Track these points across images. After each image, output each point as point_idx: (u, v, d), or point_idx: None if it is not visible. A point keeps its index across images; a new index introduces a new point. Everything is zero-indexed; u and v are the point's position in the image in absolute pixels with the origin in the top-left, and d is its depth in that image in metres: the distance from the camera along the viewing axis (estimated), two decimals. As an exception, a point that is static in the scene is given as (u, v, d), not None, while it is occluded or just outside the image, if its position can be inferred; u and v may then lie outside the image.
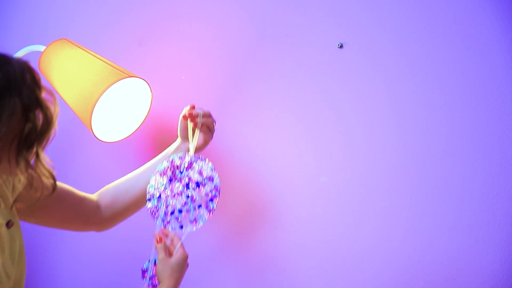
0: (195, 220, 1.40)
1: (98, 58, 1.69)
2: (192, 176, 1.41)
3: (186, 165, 1.41)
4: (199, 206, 1.41)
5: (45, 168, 1.16)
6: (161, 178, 1.41)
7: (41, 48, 1.77)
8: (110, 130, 1.73)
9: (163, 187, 1.41)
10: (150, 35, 1.87)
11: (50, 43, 1.75)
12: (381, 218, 1.61)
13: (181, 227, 1.40)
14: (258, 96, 1.75)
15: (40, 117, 1.10)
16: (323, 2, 1.65)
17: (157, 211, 1.40)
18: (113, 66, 1.65)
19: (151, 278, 1.42)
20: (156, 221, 1.40)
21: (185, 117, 1.48)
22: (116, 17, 1.97)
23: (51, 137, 1.13)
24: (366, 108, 1.61)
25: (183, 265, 1.38)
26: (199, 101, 1.78)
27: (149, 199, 1.41)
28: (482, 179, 1.49)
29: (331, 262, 1.68)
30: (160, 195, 1.40)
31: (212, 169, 1.42)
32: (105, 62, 1.67)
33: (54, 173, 1.19)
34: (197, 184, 1.41)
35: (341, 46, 1.63)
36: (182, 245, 1.39)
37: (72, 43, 1.74)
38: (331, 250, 1.68)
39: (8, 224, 1.23)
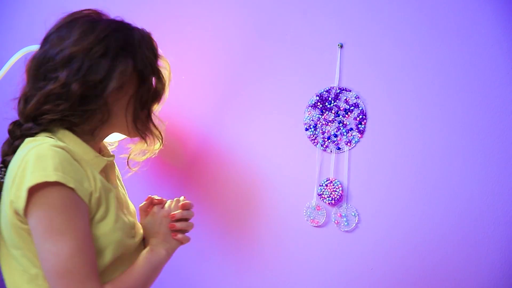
0: (349, 141, 1.60)
1: (98, 58, 1.68)
2: (340, 105, 1.61)
3: (333, 96, 1.61)
4: (351, 129, 1.60)
5: (156, 128, 1.31)
6: (314, 111, 1.62)
7: (41, 48, 1.76)
8: (110, 130, 1.72)
9: (317, 117, 1.62)
10: (150, 35, 1.86)
11: (50, 43, 1.74)
12: (380, 218, 1.61)
13: (338, 148, 1.62)
14: (258, 95, 1.74)
15: (153, 82, 1.26)
16: (323, 2, 1.66)
17: (316, 138, 1.63)
18: (113, 66, 1.65)
19: None
20: (316, 146, 1.63)
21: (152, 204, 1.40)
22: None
23: (162, 101, 1.29)
24: (365, 107, 1.61)
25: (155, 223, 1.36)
26: (199, 101, 1.78)
27: (307, 129, 1.64)
28: (481, 178, 1.49)
29: (330, 261, 1.68)
30: (315, 125, 1.62)
31: (356, 97, 1.60)
32: (105, 62, 1.66)
33: (163, 133, 1.33)
34: (345, 111, 1.60)
35: (341, 46, 1.63)
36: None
37: (72, 43, 1.73)
38: (330, 249, 1.68)
39: None
